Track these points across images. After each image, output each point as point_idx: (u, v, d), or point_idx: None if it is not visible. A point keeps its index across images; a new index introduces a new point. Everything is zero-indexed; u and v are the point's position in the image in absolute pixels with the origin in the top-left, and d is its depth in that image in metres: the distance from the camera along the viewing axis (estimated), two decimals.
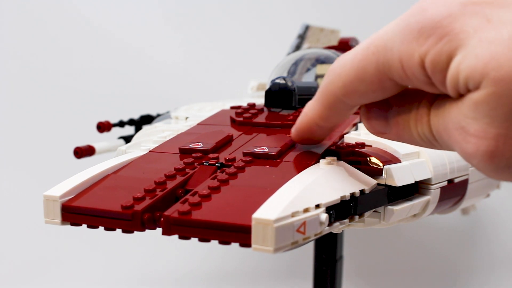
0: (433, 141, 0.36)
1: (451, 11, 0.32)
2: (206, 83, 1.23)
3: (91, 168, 0.46)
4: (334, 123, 0.43)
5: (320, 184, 0.41)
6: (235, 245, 0.37)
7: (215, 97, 0.87)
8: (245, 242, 0.35)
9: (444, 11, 0.32)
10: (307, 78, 0.69)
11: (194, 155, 0.48)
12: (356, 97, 0.38)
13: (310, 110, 0.43)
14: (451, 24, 0.31)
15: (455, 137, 0.33)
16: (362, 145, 0.50)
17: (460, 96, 0.32)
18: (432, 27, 0.32)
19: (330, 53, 0.71)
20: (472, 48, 0.30)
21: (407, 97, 0.37)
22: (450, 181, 0.53)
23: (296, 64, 0.71)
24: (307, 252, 0.91)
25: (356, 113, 0.59)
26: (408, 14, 0.34)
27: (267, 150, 0.47)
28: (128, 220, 0.39)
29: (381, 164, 0.46)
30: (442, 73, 0.32)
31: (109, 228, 0.41)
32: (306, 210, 0.37)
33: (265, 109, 0.61)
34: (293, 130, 0.46)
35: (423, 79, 0.33)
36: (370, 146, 0.50)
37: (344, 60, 0.38)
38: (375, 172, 0.46)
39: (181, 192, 0.43)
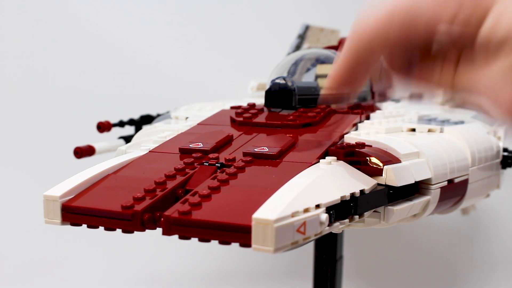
0: (455, 95, 0.36)
1: None
2: (206, 83, 1.23)
3: (91, 168, 0.46)
4: (360, 74, 0.41)
5: (320, 184, 0.41)
6: (235, 245, 0.37)
7: (215, 97, 0.87)
8: (245, 242, 0.35)
9: None
10: (307, 78, 0.69)
11: (194, 155, 0.48)
12: (381, 47, 0.37)
13: (338, 59, 0.42)
14: None
15: (485, 95, 0.33)
16: (362, 145, 0.50)
17: (488, 56, 0.32)
18: None
19: (330, 53, 0.71)
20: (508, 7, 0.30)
21: (432, 55, 0.37)
22: (450, 181, 0.53)
23: (296, 64, 0.71)
24: (307, 252, 0.91)
25: (355, 113, 0.60)
26: None
27: (267, 150, 0.47)
28: (128, 220, 0.39)
29: (381, 164, 0.46)
30: (474, 31, 0.32)
31: (109, 228, 0.41)
32: (306, 210, 0.37)
33: (265, 109, 0.61)
34: (328, 80, 0.44)
35: (452, 38, 0.33)
36: (370, 146, 0.50)
37: (372, 13, 0.37)
38: (375, 172, 0.46)
39: (181, 192, 0.43)
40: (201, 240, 0.38)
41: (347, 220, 0.43)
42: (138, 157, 0.50)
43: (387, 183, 0.46)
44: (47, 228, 0.57)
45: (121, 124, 0.74)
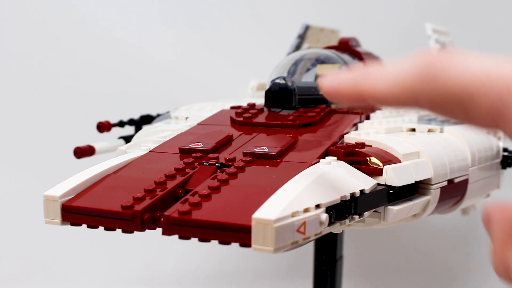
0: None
1: None
2: (206, 83, 1.23)
3: (91, 168, 0.46)
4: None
5: (320, 184, 0.41)
6: (235, 245, 0.37)
7: (215, 97, 0.87)
8: (245, 242, 0.35)
9: None
10: (307, 78, 0.69)
11: (194, 155, 0.48)
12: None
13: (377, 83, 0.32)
14: None
15: None
16: (362, 145, 0.50)
17: None
18: None
19: (330, 53, 0.71)
20: None
21: None
22: (450, 181, 0.53)
23: (296, 64, 0.70)
24: (307, 252, 0.91)
25: (355, 113, 0.60)
26: None
27: (267, 150, 0.47)
28: (128, 220, 0.39)
29: (381, 164, 0.46)
30: None
31: (109, 228, 0.41)
32: (306, 210, 0.37)
33: (265, 109, 0.61)
34: (329, 84, 0.37)
35: None
36: (370, 146, 0.50)
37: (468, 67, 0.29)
38: (375, 172, 0.46)
39: (181, 192, 0.43)
40: (201, 240, 0.38)
41: (347, 220, 0.43)
42: (138, 157, 0.50)
43: (387, 183, 0.46)
44: (47, 228, 0.57)
45: (121, 124, 0.74)
